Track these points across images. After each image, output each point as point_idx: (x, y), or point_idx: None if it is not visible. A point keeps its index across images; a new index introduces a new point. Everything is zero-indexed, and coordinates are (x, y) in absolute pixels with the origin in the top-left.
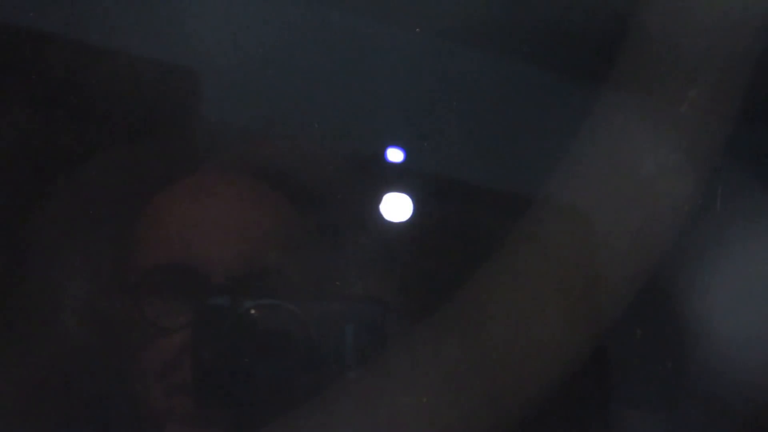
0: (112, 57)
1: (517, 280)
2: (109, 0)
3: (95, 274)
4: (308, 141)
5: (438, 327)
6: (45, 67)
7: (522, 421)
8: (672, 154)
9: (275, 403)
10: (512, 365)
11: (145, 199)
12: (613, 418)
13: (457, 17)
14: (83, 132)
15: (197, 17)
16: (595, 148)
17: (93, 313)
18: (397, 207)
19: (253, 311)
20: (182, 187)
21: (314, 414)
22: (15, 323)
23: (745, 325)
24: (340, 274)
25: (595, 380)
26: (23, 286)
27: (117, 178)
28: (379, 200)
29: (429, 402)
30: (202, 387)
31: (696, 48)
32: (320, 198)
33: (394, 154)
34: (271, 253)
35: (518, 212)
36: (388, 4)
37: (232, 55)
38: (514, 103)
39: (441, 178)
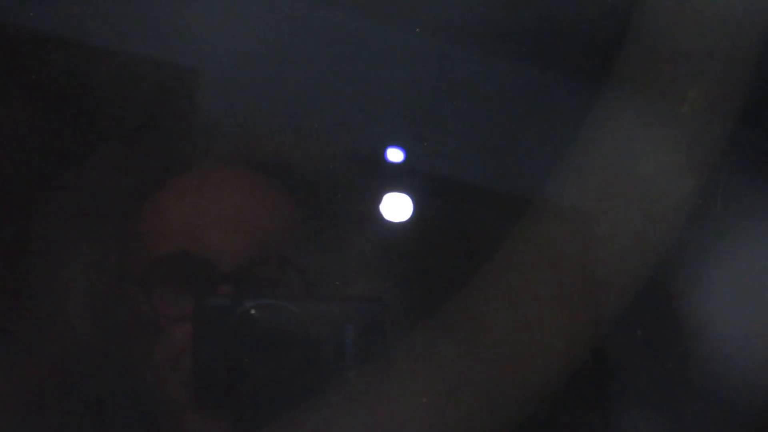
0: (112, 57)
1: (517, 280)
2: (109, 0)
3: (102, 269)
4: (308, 141)
5: (438, 327)
6: (45, 67)
7: (522, 421)
8: (672, 154)
9: (275, 403)
10: (512, 365)
11: (149, 194)
12: (613, 418)
13: (457, 17)
14: (83, 131)
15: (197, 17)
16: (595, 148)
17: (102, 307)
18: (397, 207)
19: (253, 311)
20: (185, 179)
21: (314, 414)
22: (21, 319)
23: (745, 325)
24: (340, 274)
25: (595, 380)
26: (28, 281)
27: (119, 175)
28: (379, 200)
29: (429, 402)
30: (202, 387)
31: (696, 48)
32: (320, 198)
33: (394, 154)
34: (276, 240)
35: (518, 212)
36: (388, 4)
37: (232, 55)
38: (513, 103)
39: (441, 178)
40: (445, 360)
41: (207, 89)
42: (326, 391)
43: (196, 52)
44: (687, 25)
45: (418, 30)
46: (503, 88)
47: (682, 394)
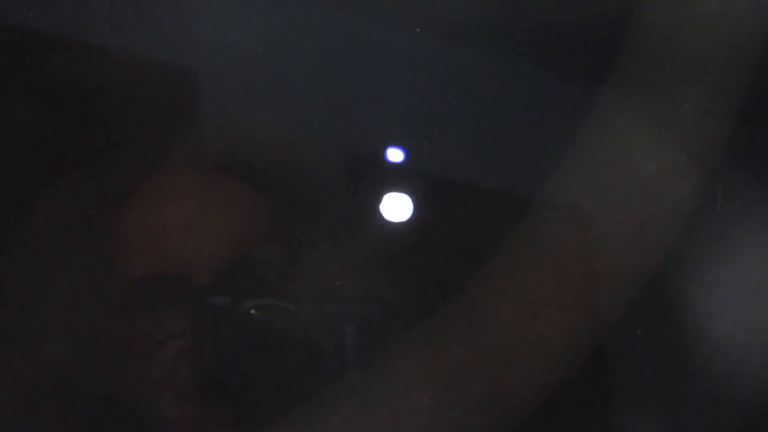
0: (112, 57)
1: (517, 280)
2: (109, 0)
3: (78, 302)
4: (308, 141)
5: (438, 327)
6: (45, 67)
7: (522, 421)
8: (672, 154)
9: (275, 404)
10: (512, 365)
11: (117, 212)
12: (613, 418)
13: (458, 17)
14: (83, 132)
15: (197, 17)
16: (596, 148)
17: (85, 340)
18: (397, 207)
19: (253, 311)
20: (148, 193)
21: (314, 414)
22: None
23: (745, 325)
24: (340, 274)
25: (595, 380)
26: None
27: (114, 181)
28: (379, 200)
29: (429, 402)
30: (202, 388)
31: (696, 48)
32: (320, 198)
33: (394, 154)
34: (253, 244)
35: (518, 212)
36: (388, 4)
37: (232, 55)
38: (513, 103)
39: (441, 178)
40: (445, 360)
41: (206, 90)
42: (326, 391)
43: (196, 52)
44: (687, 25)
45: (418, 30)
46: (503, 88)
47: (682, 394)
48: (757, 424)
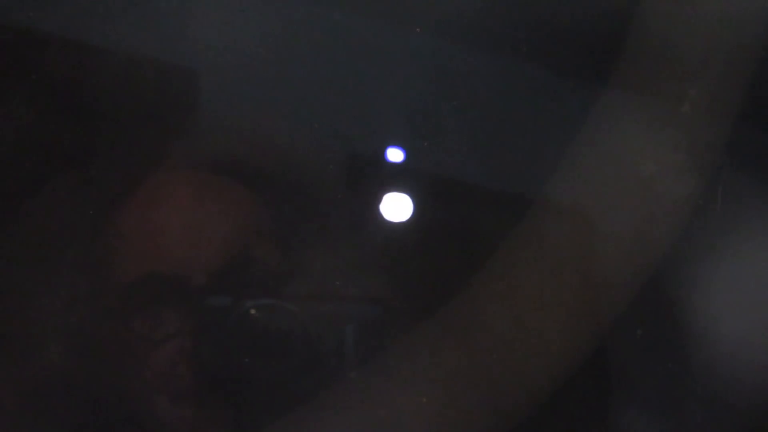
0: (111, 57)
1: (517, 280)
2: (109, 0)
3: (74, 304)
4: (308, 141)
5: (438, 327)
6: (45, 67)
7: (522, 421)
8: (672, 154)
9: (275, 404)
10: (512, 365)
11: (112, 214)
12: (613, 418)
13: (458, 16)
14: (82, 132)
15: (197, 17)
16: (596, 148)
17: (82, 341)
18: (397, 207)
19: (253, 311)
20: (144, 194)
21: (314, 414)
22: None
23: (745, 325)
24: (340, 274)
25: (595, 380)
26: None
27: (91, 192)
28: (379, 200)
29: (429, 402)
30: (202, 388)
31: (696, 48)
32: (320, 198)
33: (394, 154)
34: (253, 244)
35: (518, 212)
36: (388, 4)
37: (232, 55)
38: (513, 103)
39: (441, 178)
40: (445, 360)
41: (206, 90)
42: (326, 391)
43: (196, 52)
44: (687, 25)
45: (418, 30)
46: (503, 88)
47: (683, 394)
48: (757, 424)
